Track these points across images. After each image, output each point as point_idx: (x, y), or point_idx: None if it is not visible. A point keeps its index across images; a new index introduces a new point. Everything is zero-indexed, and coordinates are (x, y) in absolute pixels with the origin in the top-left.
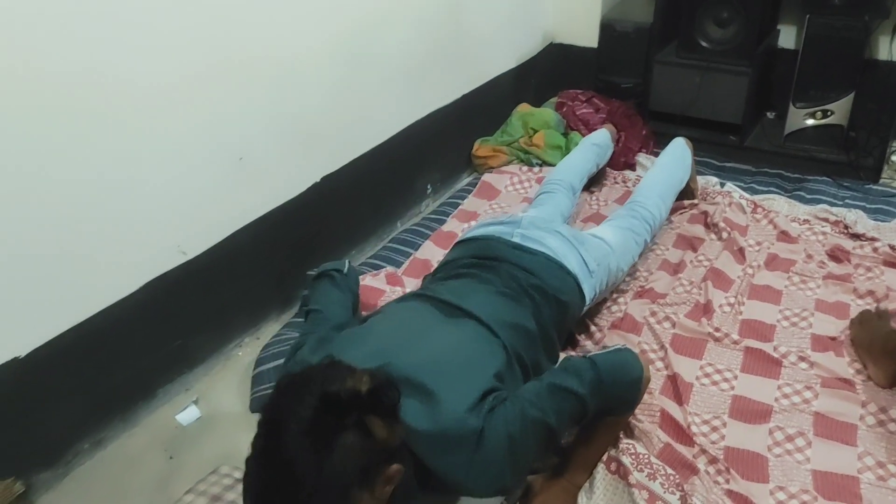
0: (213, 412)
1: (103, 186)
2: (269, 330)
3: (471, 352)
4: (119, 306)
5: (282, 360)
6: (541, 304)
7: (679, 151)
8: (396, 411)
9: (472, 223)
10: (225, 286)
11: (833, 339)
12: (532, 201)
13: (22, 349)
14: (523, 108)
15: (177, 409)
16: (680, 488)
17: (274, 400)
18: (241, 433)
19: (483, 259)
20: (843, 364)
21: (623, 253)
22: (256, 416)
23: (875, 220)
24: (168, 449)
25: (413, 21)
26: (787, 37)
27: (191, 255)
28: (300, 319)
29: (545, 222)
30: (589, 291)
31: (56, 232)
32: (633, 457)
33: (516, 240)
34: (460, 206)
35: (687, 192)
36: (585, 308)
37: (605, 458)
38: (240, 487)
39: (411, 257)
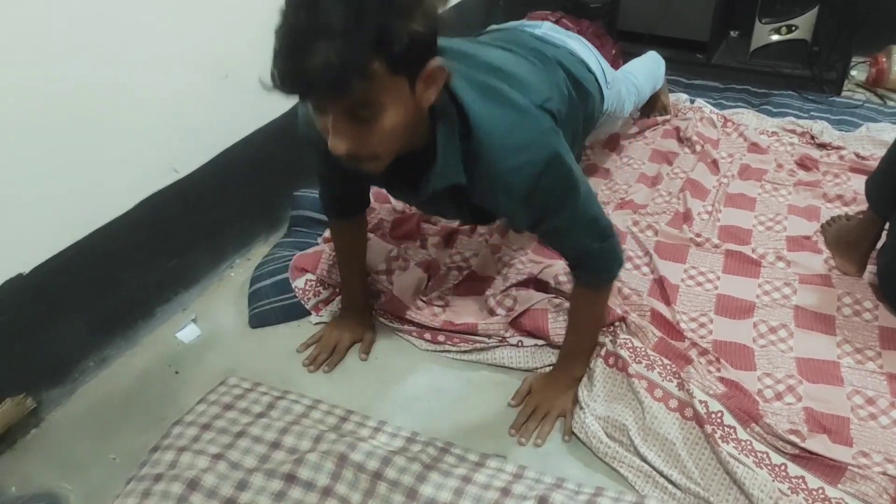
0: (212, 330)
1: (99, 101)
2: (259, 252)
3: (527, 68)
4: (116, 224)
5: (279, 277)
6: (567, 81)
7: (654, 57)
8: None
9: None
10: (216, 206)
11: (807, 238)
12: None
13: (25, 265)
14: None
15: (176, 328)
16: (677, 376)
17: None
18: (241, 349)
19: (507, 43)
20: (819, 261)
21: (626, 95)
22: (256, 332)
23: (839, 130)
24: (172, 365)
25: None
26: None
27: (183, 173)
28: (291, 239)
29: (562, 32)
30: (606, 98)
31: (54, 149)
32: (631, 350)
33: (538, 32)
34: None
35: (659, 107)
36: (600, 120)
37: (602, 353)
38: (251, 396)
39: None
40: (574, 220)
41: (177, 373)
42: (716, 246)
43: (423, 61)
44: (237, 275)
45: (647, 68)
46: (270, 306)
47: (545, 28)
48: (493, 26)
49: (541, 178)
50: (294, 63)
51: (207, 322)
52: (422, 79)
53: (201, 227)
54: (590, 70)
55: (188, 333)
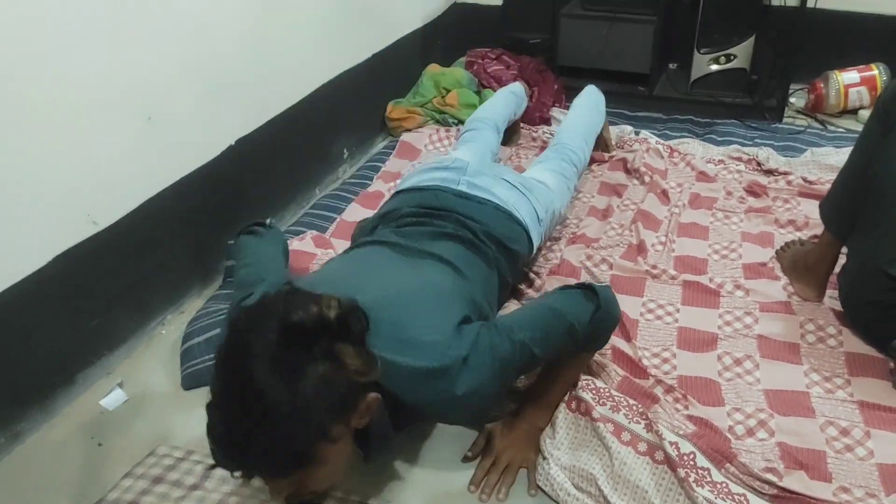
0: (140, 394)
1: (3, 143)
2: (193, 305)
3: (439, 285)
4: (27, 283)
5: (213, 332)
6: (495, 252)
7: (594, 97)
8: (366, 339)
9: (411, 168)
10: (142, 259)
11: (763, 265)
12: (458, 139)
13: None
14: (433, 68)
15: (100, 395)
16: (644, 417)
17: (231, 337)
18: (173, 413)
19: (430, 209)
20: (778, 287)
21: (560, 196)
22: (189, 394)
23: (784, 156)
24: (95, 436)
25: None
26: None
27: (102, 225)
28: (227, 291)
29: (490, 169)
30: (536, 239)
31: None
32: (594, 392)
33: (463, 188)
34: (382, 168)
35: (601, 144)
36: (531, 257)
37: (564, 397)
38: (183, 467)
39: (337, 220)
40: (554, 346)
41: (100, 445)
42: (673, 277)
43: (357, 407)
44: (168, 332)
45: (587, 123)
46: (205, 364)
47: (470, 173)
48: (412, 181)
49: (497, 393)
50: (232, 455)
51: (135, 386)
52: (357, 414)
53: (126, 283)
54: (519, 222)
55: (113, 400)
